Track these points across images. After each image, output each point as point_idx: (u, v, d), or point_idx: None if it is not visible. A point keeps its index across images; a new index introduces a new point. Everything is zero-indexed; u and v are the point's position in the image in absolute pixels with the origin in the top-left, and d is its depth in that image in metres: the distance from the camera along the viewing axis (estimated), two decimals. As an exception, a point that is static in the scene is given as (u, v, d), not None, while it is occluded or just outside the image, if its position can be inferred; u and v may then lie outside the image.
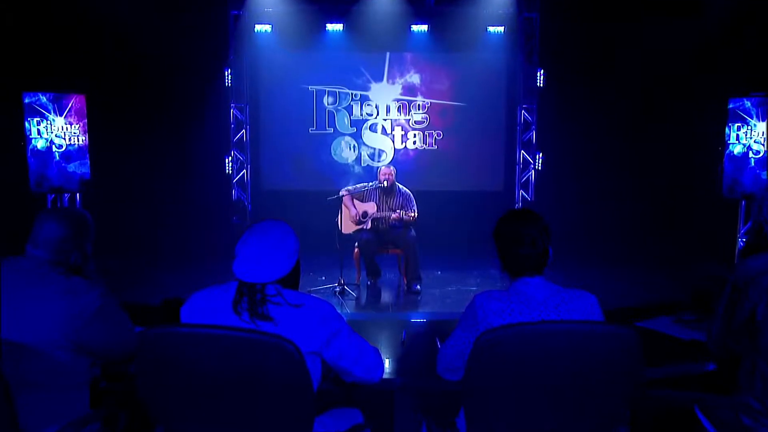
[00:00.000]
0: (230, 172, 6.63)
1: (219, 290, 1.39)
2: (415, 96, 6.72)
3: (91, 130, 5.06)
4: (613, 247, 5.91)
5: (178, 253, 5.69)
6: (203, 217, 6.20)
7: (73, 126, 4.93)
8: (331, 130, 6.76)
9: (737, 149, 4.99)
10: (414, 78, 6.69)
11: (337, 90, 6.68)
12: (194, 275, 4.94)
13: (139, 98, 5.93)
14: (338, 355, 1.39)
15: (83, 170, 4.99)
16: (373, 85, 6.69)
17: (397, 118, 6.73)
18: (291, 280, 1.43)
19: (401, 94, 6.70)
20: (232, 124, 6.66)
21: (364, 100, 6.70)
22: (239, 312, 1.33)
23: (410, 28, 6.51)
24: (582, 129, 6.13)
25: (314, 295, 1.43)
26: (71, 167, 4.91)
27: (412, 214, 4.37)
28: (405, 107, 6.72)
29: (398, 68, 6.70)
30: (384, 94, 6.70)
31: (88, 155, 5.01)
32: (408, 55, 6.67)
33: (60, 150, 4.88)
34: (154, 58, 5.78)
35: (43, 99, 4.83)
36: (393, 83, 6.70)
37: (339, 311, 1.42)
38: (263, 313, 1.32)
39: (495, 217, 1.58)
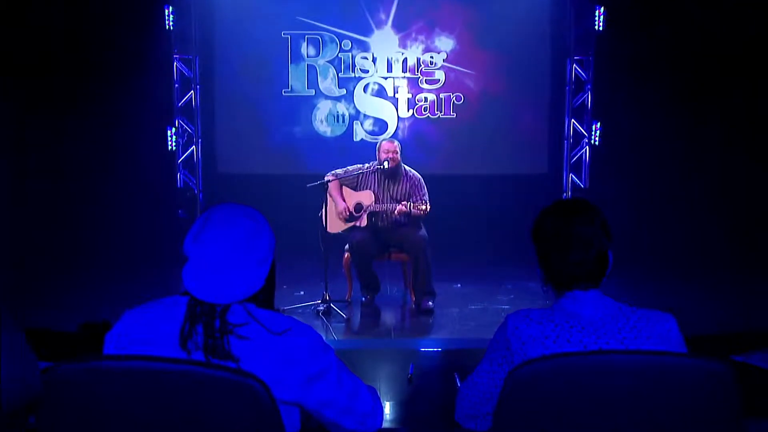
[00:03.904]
0: (174, 148, 6.63)
1: (159, 308, 1.38)
2: (434, 49, 6.70)
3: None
4: (698, 252, 5.89)
5: (102, 260, 5.69)
6: (137, 211, 6.19)
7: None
8: (312, 91, 6.75)
9: None
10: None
11: (319, 36, 6.67)
12: (124, 290, 4.94)
13: (43, 50, 5.88)
14: (322, 403, 1.38)
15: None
16: (373, 31, 6.66)
17: (402, 75, 6.72)
18: (263, 294, 1.42)
19: (423, 52, 6.67)
20: (176, 83, 6.64)
21: (357, 50, 6.68)
22: (189, 349, 1.31)
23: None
24: (656, 90, 6.10)
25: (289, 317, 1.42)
26: None
27: (423, 207, 4.37)
28: (415, 63, 6.69)
29: (405, 9, 6.64)
30: (387, 43, 6.68)
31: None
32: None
33: None
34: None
35: None
36: (401, 32, 6.65)
37: (325, 340, 1.41)
38: (221, 349, 1.30)
39: (535, 211, 1.58)
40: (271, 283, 1.46)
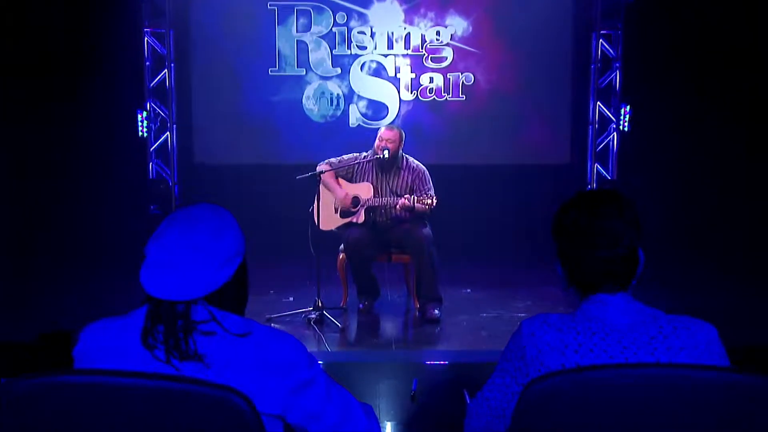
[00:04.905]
0: (145, 134, 6.63)
1: (122, 320, 1.41)
2: (442, 24, 6.70)
3: None
4: (741, 251, 5.89)
5: (65, 262, 5.70)
6: (104, 207, 6.20)
7: None
8: (303, 70, 6.75)
9: None
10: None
11: (310, 8, 6.66)
12: (88, 295, 4.96)
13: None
14: (308, 419, 1.41)
15: None
16: (373, 3, 6.64)
17: (405, 52, 6.71)
18: (232, 298, 1.44)
19: (430, 27, 6.67)
20: (148, 60, 6.65)
21: (354, 23, 6.67)
22: (151, 345, 1.33)
23: None
24: (693, 68, 6.09)
25: (274, 325, 1.43)
26: None
27: (429, 201, 4.37)
28: (421, 40, 6.67)
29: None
30: (389, 16, 6.66)
31: None
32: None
33: None
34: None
35: None
36: (406, 4, 6.63)
37: (313, 350, 1.42)
38: (187, 348, 1.32)
39: (556, 206, 1.58)
40: (241, 287, 1.48)
